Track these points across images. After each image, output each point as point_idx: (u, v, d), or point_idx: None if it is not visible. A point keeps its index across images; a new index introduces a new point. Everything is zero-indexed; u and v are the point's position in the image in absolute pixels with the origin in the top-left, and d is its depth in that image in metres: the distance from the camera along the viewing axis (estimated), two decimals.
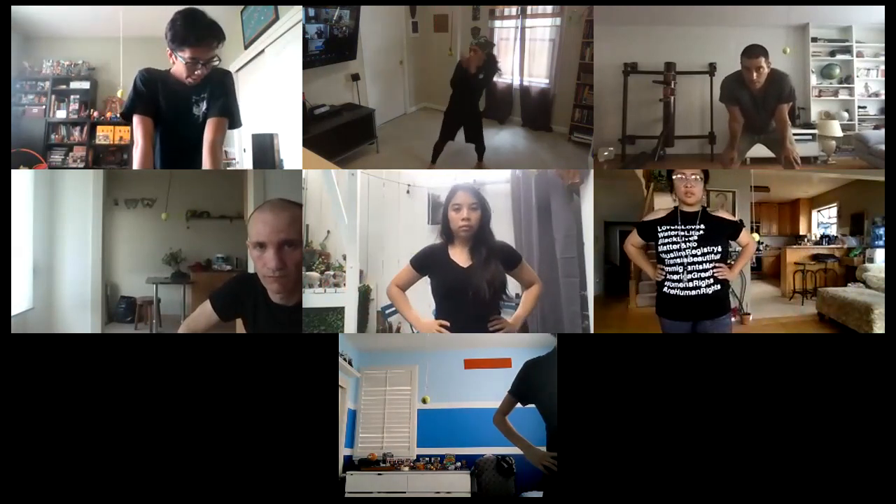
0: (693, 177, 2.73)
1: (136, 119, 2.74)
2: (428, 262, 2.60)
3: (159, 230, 5.90)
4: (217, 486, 2.67)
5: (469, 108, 4.39)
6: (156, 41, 2.85)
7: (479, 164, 4.35)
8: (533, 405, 2.67)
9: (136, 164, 2.75)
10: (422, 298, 2.70)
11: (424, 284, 2.64)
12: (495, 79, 5.63)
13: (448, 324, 2.53)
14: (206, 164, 2.81)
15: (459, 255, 2.57)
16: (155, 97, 2.74)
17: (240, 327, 2.28)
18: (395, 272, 2.69)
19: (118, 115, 4.89)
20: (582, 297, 3.38)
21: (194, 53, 2.62)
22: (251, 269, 2.23)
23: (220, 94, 2.80)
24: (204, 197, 5.95)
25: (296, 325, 2.17)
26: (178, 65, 2.70)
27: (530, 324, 3.86)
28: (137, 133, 2.73)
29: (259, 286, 2.13)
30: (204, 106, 2.79)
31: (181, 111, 2.78)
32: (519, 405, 2.75)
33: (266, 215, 2.04)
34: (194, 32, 2.61)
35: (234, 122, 2.91)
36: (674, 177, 2.76)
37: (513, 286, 2.87)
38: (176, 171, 4.07)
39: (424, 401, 4.11)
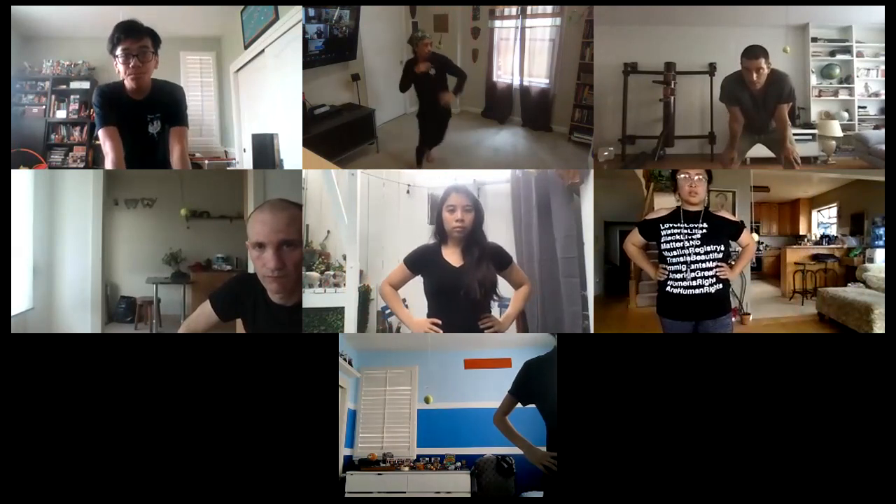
0: (697, 177, 2.73)
1: (102, 132, 2.93)
2: (421, 262, 2.61)
3: (159, 230, 5.90)
4: (217, 486, 2.67)
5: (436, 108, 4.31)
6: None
7: (429, 158, 4.36)
8: (533, 405, 2.68)
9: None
10: (420, 298, 2.71)
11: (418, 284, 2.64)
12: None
13: (440, 322, 2.54)
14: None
15: (452, 255, 2.58)
16: (114, 108, 2.94)
17: (240, 327, 2.28)
18: None
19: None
20: (582, 297, 3.38)
21: (125, 45, 2.83)
22: (251, 269, 2.23)
23: (175, 106, 3.04)
24: (204, 197, 5.95)
25: (296, 325, 2.17)
26: (119, 69, 2.90)
27: (530, 324, 3.87)
28: (106, 144, 2.93)
29: (259, 286, 2.13)
30: (158, 125, 2.99)
31: (136, 127, 2.98)
32: (519, 405, 2.75)
33: (265, 215, 2.04)
34: (123, 29, 2.84)
35: None
36: (678, 176, 2.77)
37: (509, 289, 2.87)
38: (177, 172, 4.08)
39: (427, 400, 4.04)
